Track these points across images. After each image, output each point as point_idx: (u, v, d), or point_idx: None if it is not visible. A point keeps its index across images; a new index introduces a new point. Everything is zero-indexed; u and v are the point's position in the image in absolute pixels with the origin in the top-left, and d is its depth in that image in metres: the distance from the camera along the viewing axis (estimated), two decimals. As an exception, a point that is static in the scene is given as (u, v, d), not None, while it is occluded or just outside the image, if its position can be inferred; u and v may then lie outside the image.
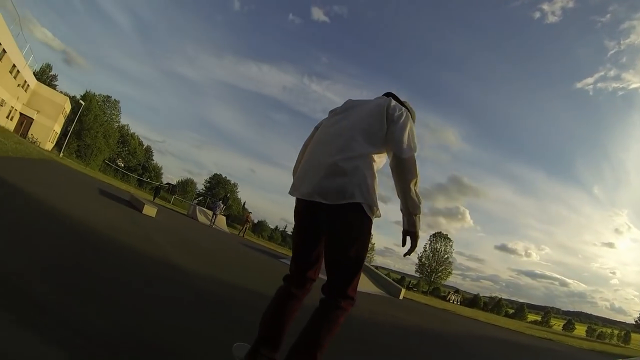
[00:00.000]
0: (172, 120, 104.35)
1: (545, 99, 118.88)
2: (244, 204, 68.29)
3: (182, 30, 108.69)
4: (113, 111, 59.88)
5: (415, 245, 1.57)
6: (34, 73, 38.57)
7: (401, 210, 1.56)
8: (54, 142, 40.73)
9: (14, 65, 27.84)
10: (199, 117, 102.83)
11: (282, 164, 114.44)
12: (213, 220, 20.82)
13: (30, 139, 33.50)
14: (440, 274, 56.40)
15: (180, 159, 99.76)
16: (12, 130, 30.92)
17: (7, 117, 30.77)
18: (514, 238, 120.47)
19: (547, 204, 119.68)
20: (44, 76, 49.51)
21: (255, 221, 63.81)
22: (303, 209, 1.62)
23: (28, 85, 33.96)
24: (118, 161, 57.34)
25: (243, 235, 24.85)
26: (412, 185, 1.50)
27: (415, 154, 1.52)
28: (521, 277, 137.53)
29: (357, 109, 1.71)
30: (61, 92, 43.95)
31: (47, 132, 37.30)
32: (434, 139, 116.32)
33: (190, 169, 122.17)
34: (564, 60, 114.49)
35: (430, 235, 59.03)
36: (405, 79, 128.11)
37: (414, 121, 1.77)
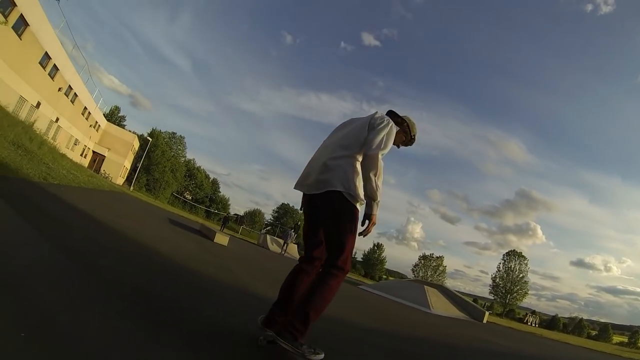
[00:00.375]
0: (236, 153, 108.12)
1: (608, 96, 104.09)
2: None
3: (239, 67, 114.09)
4: (179, 147, 63.56)
5: (370, 227, 1.95)
6: (104, 115, 41.37)
7: (364, 197, 1.96)
8: (125, 177, 42.84)
9: (85, 108, 29.38)
10: (262, 148, 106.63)
11: None
12: (284, 249, 19.92)
13: (103, 174, 35.22)
14: (515, 294, 53.00)
15: (247, 190, 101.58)
16: (86, 167, 32.62)
17: (82, 155, 32.57)
18: (591, 252, 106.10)
19: (625, 211, 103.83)
20: (113, 117, 53.57)
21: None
22: (306, 201, 2.13)
23: (99, 125, 36.04)
24: (186, 194, 59.58)
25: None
26: (372, 175, 1.89)
27: (382, 154, 1.96)
28: (601, 294, 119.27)
29: (352, 124, 2.20)
30: (129, 130, 46.60)
31: (118, 168, 39.27)
32: (496, 153, 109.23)
33: (257, 199, 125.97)
34: (623, 53, 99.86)
35: (504, 254, 55.26)
36: (461, 94, 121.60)
37: (413, 132, 2.46)
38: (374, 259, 67.11)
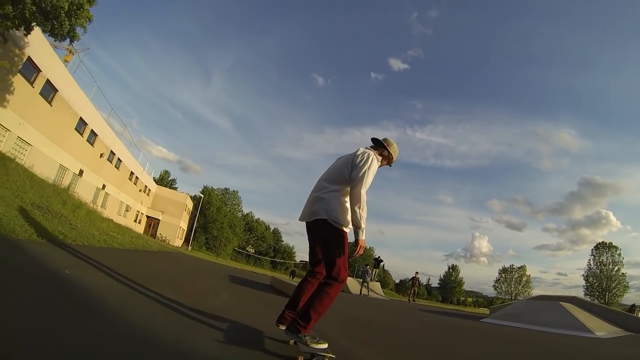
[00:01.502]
0: (291, 201, 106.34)
1: None
2: (382, 265, 63.15)
3: (278, 117, 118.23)
4: (234, 201, 62.83)
5: (359, 250, 2.37)
6: (155, 180, 41.74)
7: (352, 226, 2.43)
8: (183, 238, 42.00)
9: (132, 172, 28.79)
10: None
11: (408, 219, 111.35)
12: (367, 288, 16.58)
13: (160, 238, 34.23)
14: (615, 291, 46.40)
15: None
16: (142, 232, 31.73)
17: (135, 221, 31.87)
18: None
19: None
20: (164, 182, 54.48)
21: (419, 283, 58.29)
22: (307, 228, 2.66)
23: (149, 189, 35.74)
24: (248, 248, 58.04)
25: (413, 300, 20.39)
26: (356, 209, 2.33)
27: (364, 189, 2.37)
28: None
29: (338, 161, 2.66)
30: (181, 192, 46.50)
31: (174, 229, 38.48)
32: (548, 147, 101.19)
33: None
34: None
35: (592, 249, 49.59)
36: (499, 96, 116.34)
37: (393, 153, 2.80)
38: (451, 282, 62.75)
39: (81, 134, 19.32)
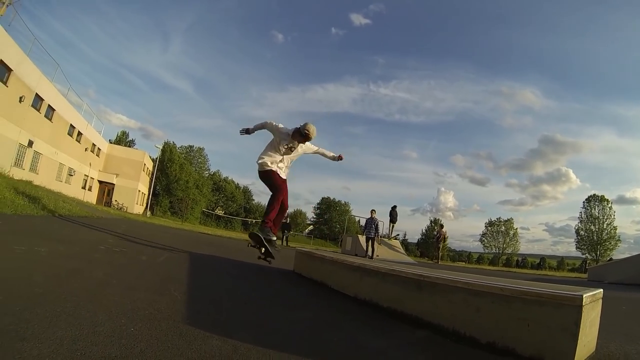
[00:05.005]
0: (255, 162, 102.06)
1: (610, 19, 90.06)
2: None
3: (239, 77, 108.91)
4: (200, 159, 56.58)
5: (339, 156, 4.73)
6: (110, 142, 34.95)
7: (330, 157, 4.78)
8: (144, 204, 36.26)
9: (72, 126, 22.43)
10: None
11: (373, 174, 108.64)
12: (374, 247, 12.29)
13: (116, 206, 28.64)
14: (606, 244, 45.86)
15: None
16: (94, 202, 26.00)
17: (84, 188, 25.91)
18: (632, 186, 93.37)
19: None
20: (122, 143, 46.39)
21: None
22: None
23: (99, 149, 29.27)
24: (217, 210, 52.76)
25: (438, 260, 17.20)
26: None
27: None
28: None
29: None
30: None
31: (132, 194, 32.71)
32: (511, 104, 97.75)
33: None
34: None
35: (583, 201, 48.83)
36: (464, 54, 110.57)
37: (309, 132, 4.10)
38: (433, 236, 59.52)
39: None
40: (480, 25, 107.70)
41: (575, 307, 1.59)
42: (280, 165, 4.22)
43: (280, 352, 1.57)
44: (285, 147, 4.20)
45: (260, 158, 4.15)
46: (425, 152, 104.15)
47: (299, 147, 4.27)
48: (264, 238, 4.02)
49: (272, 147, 4.21)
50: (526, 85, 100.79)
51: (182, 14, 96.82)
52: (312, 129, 4.07)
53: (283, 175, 4.27)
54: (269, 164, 4.11)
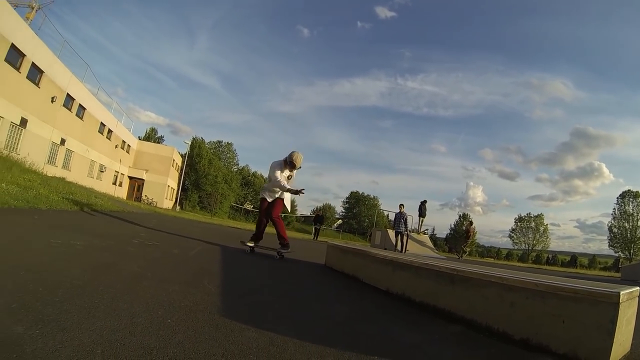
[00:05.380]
0: (284, 155, 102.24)
1: None
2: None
3: (266, 72, 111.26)
4: (228, 154, 57.05)
5: (294, 191, 4.87)
6: (139, 139, 36.07)
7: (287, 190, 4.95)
8: (173, 199, 37.38)
9: (102, 124, 23.28)
10: (310, 145, 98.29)
11: (401, 168, 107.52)
12: (404, 242, 12.46)
13: (146, 201, 29.70)
14: None
15: (305, 190, 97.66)
16: (124, 198, 27.06)
17: (115, 184, 26.98)
18: None
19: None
20: (151, 140, 47.58)
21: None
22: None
23: (129, 145, 30.28)
24: (246, 204, 53.60)
25: (462, 255, 16.53)
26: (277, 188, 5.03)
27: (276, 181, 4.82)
28: None
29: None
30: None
31: (162, 189, 33.72)
32: (541, 96, 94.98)
33: (316, 196, 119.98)
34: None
35: (617, 197, 46.37)
36: (492, 45, 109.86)
37: (295, 161, 4.83)
38: (462, 232, 58.03)
39: (17, 69, 13.80)
40: (507, 15, 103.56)
41: (612, 304, 1.54)
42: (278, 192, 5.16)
43: (317, 344, 1.53)
44: (285, 178, 4.96)
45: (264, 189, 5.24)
46: (453, 145, 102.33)
47: (293, 173, 4.95)
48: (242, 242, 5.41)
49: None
50: (557, 76, 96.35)
51: (207, 11, 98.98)
52: (297, 158, 4.78)
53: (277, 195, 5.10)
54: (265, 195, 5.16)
